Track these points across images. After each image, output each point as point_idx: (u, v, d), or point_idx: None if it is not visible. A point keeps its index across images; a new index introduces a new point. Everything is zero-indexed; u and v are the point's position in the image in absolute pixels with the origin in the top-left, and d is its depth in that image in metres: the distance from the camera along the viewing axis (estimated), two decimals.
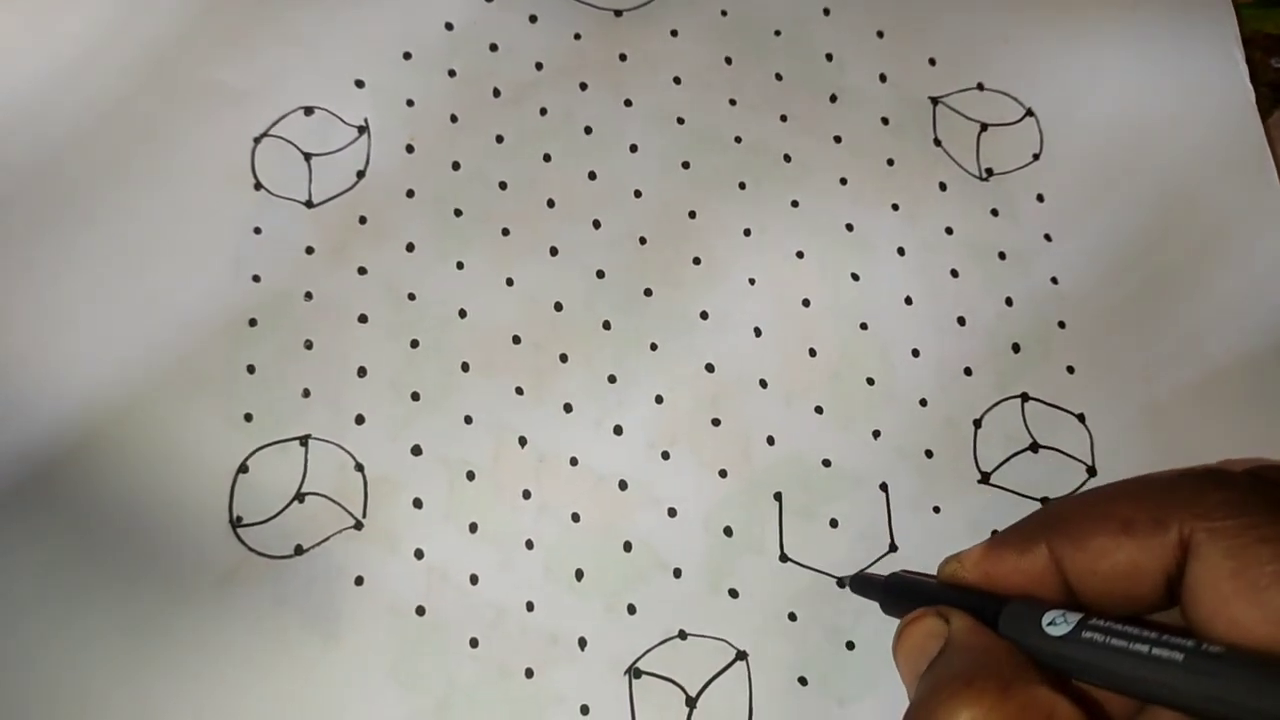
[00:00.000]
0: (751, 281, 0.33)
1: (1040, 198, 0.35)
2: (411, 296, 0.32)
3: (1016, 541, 0.23)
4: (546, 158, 0.34)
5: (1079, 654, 0.20)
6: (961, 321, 0.34)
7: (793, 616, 0.30)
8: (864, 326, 0.33)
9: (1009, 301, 0.34)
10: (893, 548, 0.31)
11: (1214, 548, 0.20)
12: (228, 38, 0.34)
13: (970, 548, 0.24)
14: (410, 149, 0.34)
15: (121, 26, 0.33)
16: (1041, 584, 0.22)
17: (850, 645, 0.30)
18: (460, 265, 0.33)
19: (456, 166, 0.34)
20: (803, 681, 0.30)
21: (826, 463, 0.32)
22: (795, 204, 0.34)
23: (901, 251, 0.34)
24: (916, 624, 0.23)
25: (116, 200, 0.32)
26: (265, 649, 0.29)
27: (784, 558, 0.31)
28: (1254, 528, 0.19)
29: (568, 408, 0.32)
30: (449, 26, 0.35)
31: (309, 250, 0.32)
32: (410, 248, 0.33)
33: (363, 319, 0.32)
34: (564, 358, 0.32)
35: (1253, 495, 0.20)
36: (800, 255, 0.34)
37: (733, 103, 0.35)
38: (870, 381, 0.33)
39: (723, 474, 0.32)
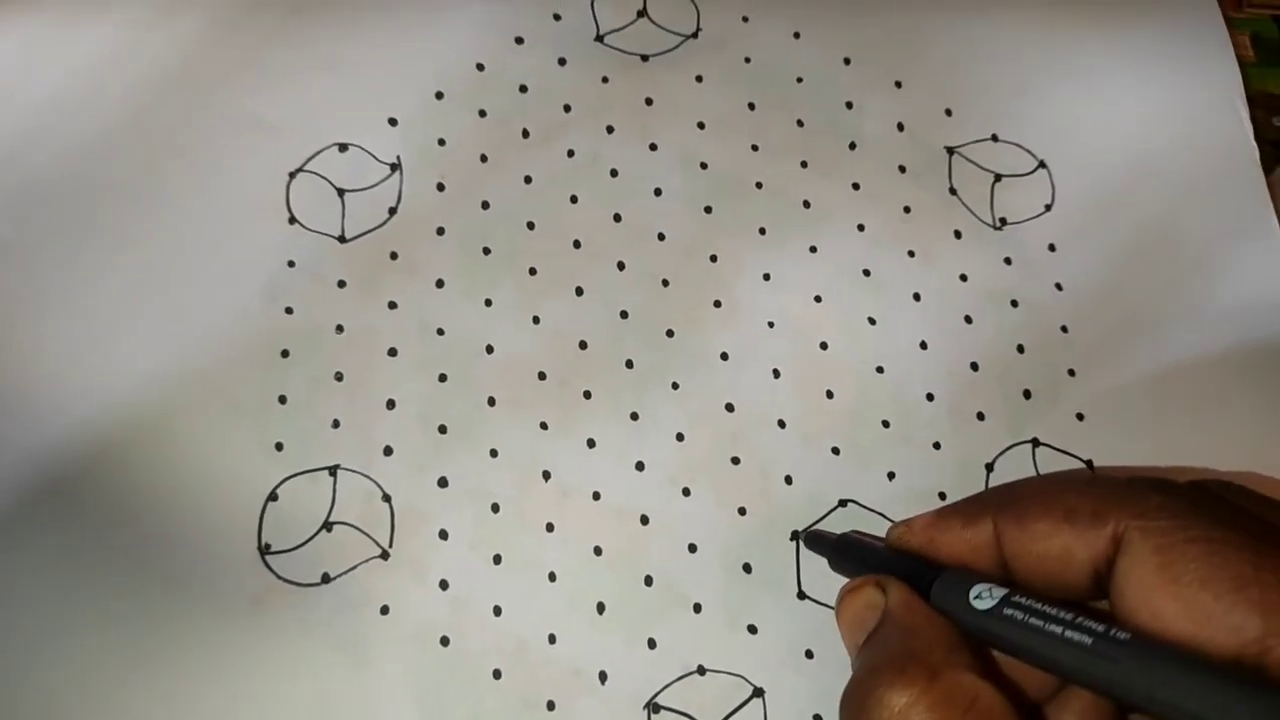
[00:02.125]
0: (771, 324, 0.34)
1: (1052, 247, 0.36)
2: (440, 331, 0.33)
3: (965, 511, 0.25)
4: (573, 199, 0.35)
5: (1000, 629, 0.22)
6: (974, 367, 0.34)
7: (809, 654, 0.31)
8: (880, 370, 0.34)
9: (1020, 349, 0.35)
10: None
11: (1144, 544, 0.21)
12: (266, 73, 0.35)
13: (920, 514, 0.26)
14: (441, 187, 0.34)
15: (161, 55, 0.34)
16: (981, 556, 0.24)
17: None
18: (489, 302, 0.34)
19: (486, 205, 0.34)
20: (818, 718, 0.30)
21: (844, 502, 0.32)
22: (814, 249, 0.35)
23: (917, 297, 0.35)
24: (856, 594, 0.25)
25: (153, 227, 0.33)
26: (291, 675, 0.29)
27: (801, 595, 0.31)
28: (1185, 529, 0.21)
29: (591, 443, 0.32)
30: (480, 67, 0.36)
31: (341, 284, 0.33)
32: (440, 284, 0.34)
33: (392, 352, 0.33)
34: (588, 394, 0.33)
35: (1192, 503, 0.21)
36: (818, 299, 0.35)
37: (755, 148, 0.36)
38: (885, 424, 0.34)
39: (741, 511, 0.32)
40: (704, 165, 0.36)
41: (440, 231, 0.34)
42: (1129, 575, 0.21)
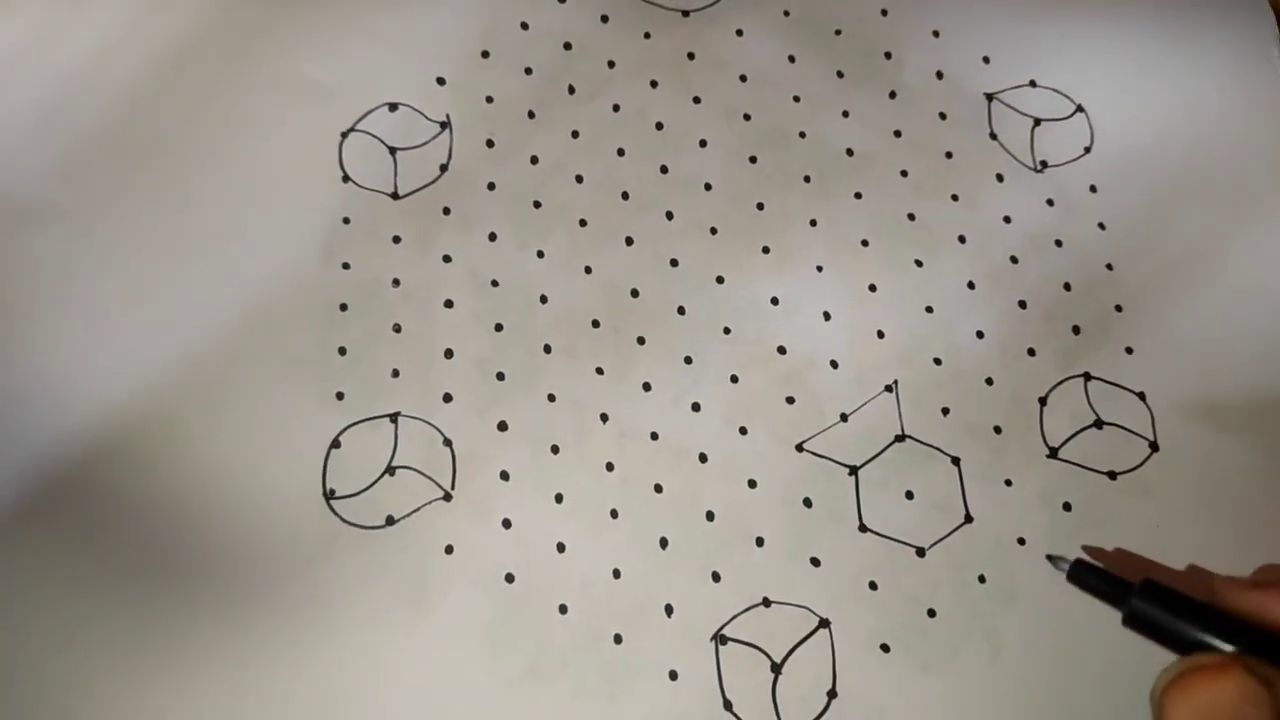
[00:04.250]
0: (819, 269, 0.35)
1: (1093, 188, 0.36)
2: (495, 283, 0.34)
3: None
4: (620, 152, 0.35)
5: None
6: (1023, 305, 0.35)
7: (873, 585, 0.31)
8: (929, 310, 0.34)
9: (1067, 286, 0.35)
10: (968, 519, 0.32)
11: None
12: (315, 38, 0.35)
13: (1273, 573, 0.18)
14: (490, 144, 0.35)
15: (212, 21, 0.35)
16: None
17: (931, 613, 0.31)
18: (540, 254, 0.34)
19: (535, 160, 0.35)
20: (885, 649, 0.31)
21: (900, 437, 0.33)
22: (859, 195, 0.36)
23: (962, 239, 0.35)
24: (1216, 679, 0.17)
25: (210, 189, 0.33)
26: (359, 617, 0.30)
27: (863, 528, 0.32)
28: None
29: (646, 386, 0.33)
30: (525, 26, 0.36)
31: (396, 239, 0.34)
32: (493, 237, 0.34)
33: (448, 304, 0.33)
34: (641, 340, 0.33)
35: None
36: (865, 244, 0.35)
37: (796, 99, 0.36)
38: (937, 361, 0.34)
39: (799, 449, 0.32)
40: (747, 117, 0.36)
41: (491, 186, 0.35)
42: None
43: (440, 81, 0.35)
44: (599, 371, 0.33)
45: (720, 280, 0.34)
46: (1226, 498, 0.33)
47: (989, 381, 0.34)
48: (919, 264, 0.35)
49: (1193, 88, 0.38)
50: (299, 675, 0.29)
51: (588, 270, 0.34)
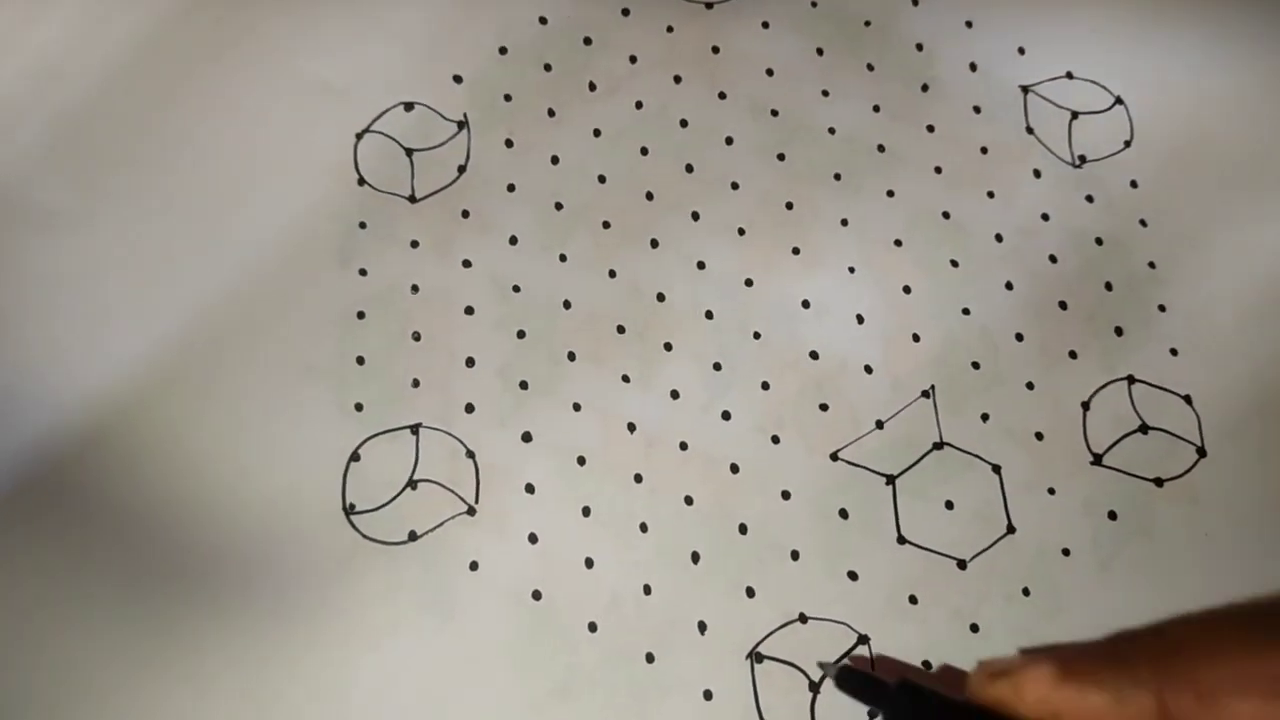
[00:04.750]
0: (851, 270, 0.33)
1: (1134, 183, 0.35)
2: (516, 288, 0.32)
3: (1106, 676, 0.17)
4: (644, 151, 0.34)
5: None
6: (1063, 306, 0.33)
7: (913, 599, 0.30)
8: (966, 312, 0.33)
9: (1109, 286, 0.34)
10: (1010, 529, 0.31)
11: None
12: (327, 38, 0.34)
13: (1030, 665, 0.17)
14: (510, 143, 0.34)
15: (221, 22, 0.34)
16: None
17: (974, 628, 0.30)
18: (563, 257, 0.33)
19: (555, 160, 0.34)
20: (927, 665, 0.29)
21: (938, 445, 0.32)
22: (891, 193, 0.34)
23: (999, 238, 0.34)
24: None
25: (221, 194, 0.32)
26: (381, 634, 0.29)
27: (901, 540, 0.30)
28: None
29: (674, 394, 0.32)
30: (543, 21, 0.35)
31: (414, 244, 0.33)
32: (513, 240, 0.33)
33: (469, 310, 0.32)
34: (668, 346, 0.32)
35: None
36: (899, 244, 0.34)
37: (825, 94, 0.35)
38: (976, 365, 0.33)
39: (833, 458, 0.31)
40: (774, 113, 0.35)
41: (511, 188, 0.33)
42: None
43: (457, 79, 0.34)
44: (625, 379, 0.32)
45: (749, 283, 0.33)
46: (1277, 504, 0.32)
47: (1030, 386, 0.33)
48: (954, 264, 0.34)
49: (1237, 77, 0.37)
50: (318, 692, 0.28)
51: (612, 274, 0.33)
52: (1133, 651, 0.17)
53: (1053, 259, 0.34)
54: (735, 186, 0.34)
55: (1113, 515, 0.31)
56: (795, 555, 0.30)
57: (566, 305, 0.32)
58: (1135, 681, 0.16)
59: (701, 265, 0.33)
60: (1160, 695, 0.16)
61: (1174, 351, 0.33)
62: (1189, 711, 0.16)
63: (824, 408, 0.32)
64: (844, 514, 0.31)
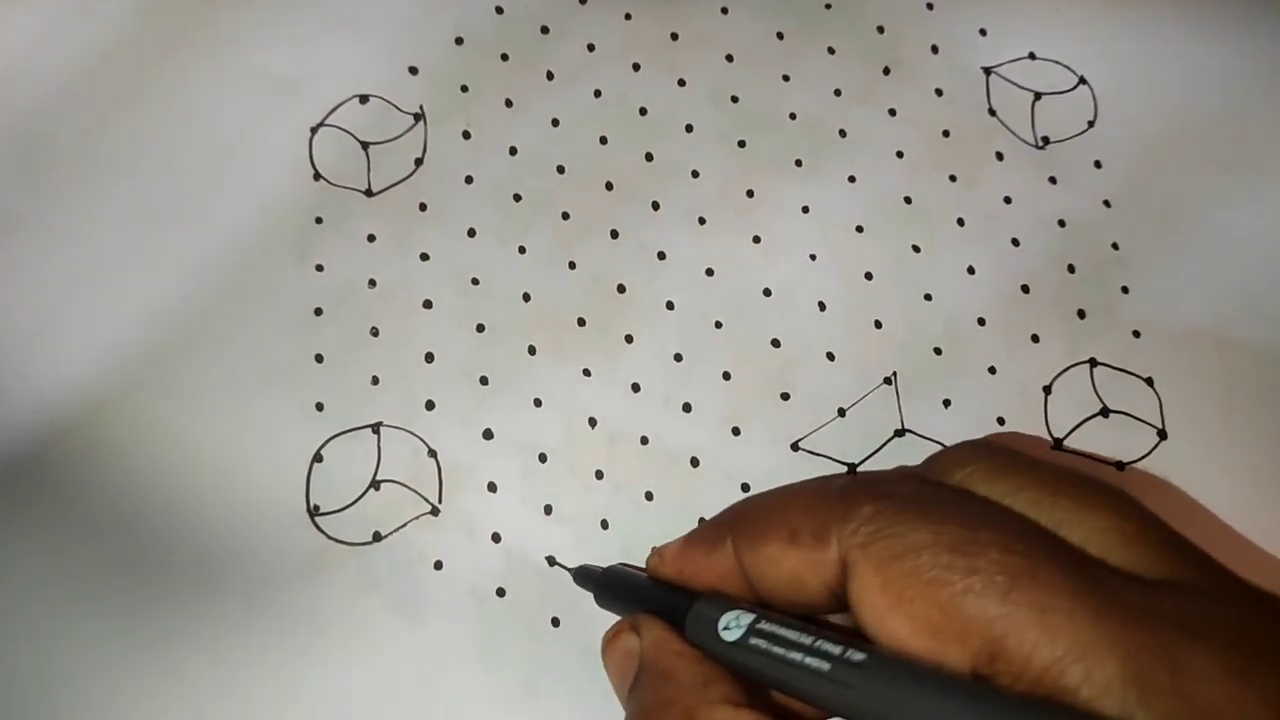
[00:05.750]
0: (813, 257, 0.33)
1: (1098, 164, 0.35)
2: (475, 281, 0.32)
3: (708, 537, 0.23)
4: (603, 140, 0.34)
5: (750, 661, 0.20)
6: (1025, 289, 0.33)
7: None
8: (928, 297, 0.33)
9: (1071, 268, 0.34)
10: None
11: (866, 565, 0.19)
12: (278, 29, 0.34)
13: (670, 542, 0.24)
14: (467, 135, 0.34)
15: (170, 16, 0.33)
16: (730, 582, 0.22)
17: None
18: (522, 249, 0.33)
19: (514, 151, 0.34)
20: None
21: (899, 432, 0.32)
22: (852, 179, 0.34)
23: (961, 222, 0.34)
24: (614, 643, 0.23)
25: (174, 192, 0.32)
26: (350, 635, 0.29)
27: None
28: (897, 538, 0.19)
29: (635, 387, 0.32)
30: (499, 10, 0.35)
31: (371, 238, 0.32)
32: (471, 233, 0.33)
33: (428, 305, 0.32)
34: (629, 338, 0.32)
35: (906, 503, 0.19)
36: (860, 230, 0.34)
37: (785, 79, 0.35)
38: (938, 351, 0.33)
39: (794, 448, 0.31)
40: (734, 99, 0.35)
41: (469, 180, 0.33)
42: (859, 599, 0.19)
43: (413, 71, 0.34)
44: (586, 373, 0.32)
45: (710, 273, 0.33)
46: (1237, 486, 0.32)
47: (992, 370, 0.33)
48: (916, 249, 0.34)
49: (1200, 56, 0.36)
50: (285, 696, 0.28)
51: (571, 265, 0.33)
52: (726, 514, 0.23)
53: (1015, 242, 0.34)
54: (695, 175, 0.34)
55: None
56: None
57: (526, 298, 0.32)
58: (721, 537, 0.22)
59: (662, 255, 0.33)
60: (733, 544, 0.22)
61: (1136, 334, 0.33)
62: (748, 557, 0.21)
63: (785, 397, 0.32)
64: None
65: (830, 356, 0.32)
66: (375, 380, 0.31)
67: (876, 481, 0.21)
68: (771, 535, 0.21)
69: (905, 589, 0.18)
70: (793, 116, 0.35)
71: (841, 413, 0.32)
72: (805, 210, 0.34)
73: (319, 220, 0.32)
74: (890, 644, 0.18)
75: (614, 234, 0.33)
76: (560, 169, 0.33)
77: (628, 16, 0.35)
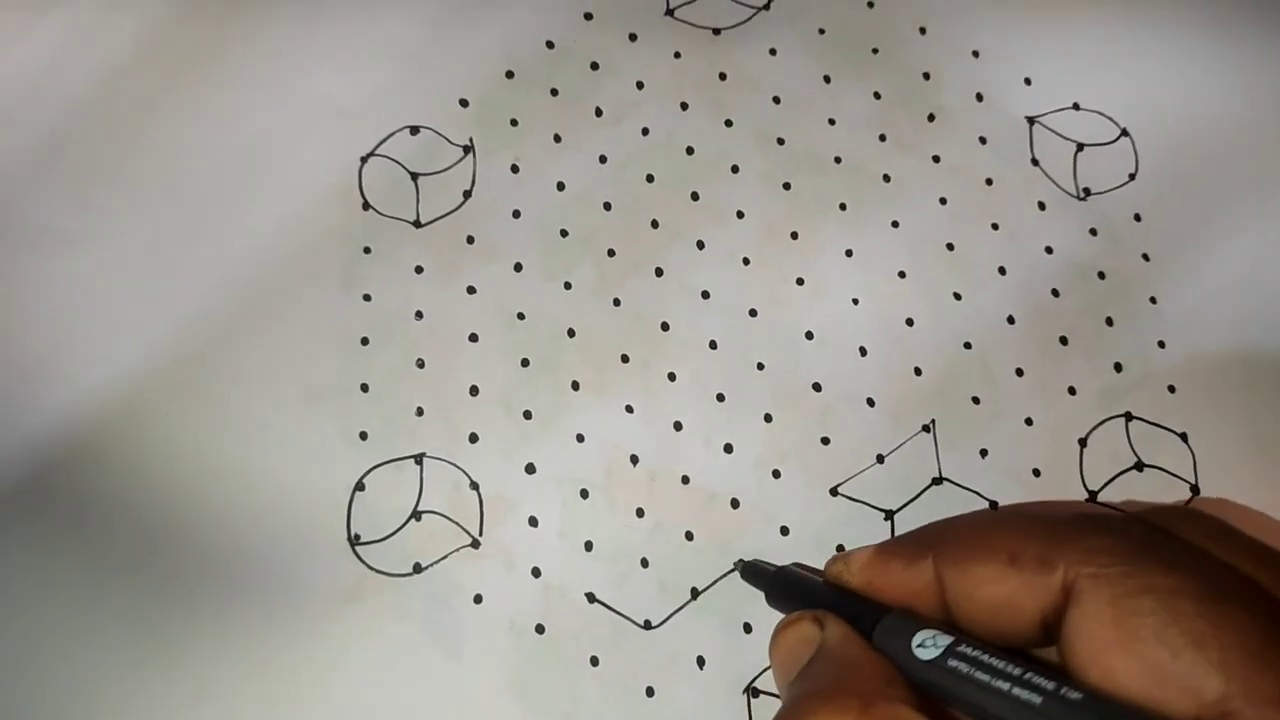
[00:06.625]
0: (855, 301, 0.34)
1: (1138, 217, 0.35)
2: (521, 316, 0.33)
3: (904, 552, 0.23)
4: (649, 178, 0.34)
5: (943, 681, 0.20)
6: (1064, 341, 0.34)
7: None
8: (968, 345, 0.33)
9: (1109, 321, 0.34)
10: None
11: (1097, 595, 0.19)
12: (333, 58, 0.34)
13: (859, 549, 0.24)
14: (515, 169, 0.34)
15: (227, 41, 0.34)
16: (923, 599, 0.22)
17: None
18: (568, 285, 0.33)
19: (561, 187, 0.34)
20: None
21: (937, 480, 0.32)
22: (895, 224, 0.34)
23: (1003, 271, 0.34)
24: (791, 628, 0.23)
25: (225, 217, 0.32)
26: (387, 666, 0.29)
27: None
28: (1135, 576, 0.19)
29: (678, 426, 0.32)
30: (550, 45, 0.35)
31: (418, 269, 0.33)
32: (518, 267, 0.33)
33: (473, 338, 0.32)
34: (672, 376, 0.32)
35: (1142, 545, 0.19)
36: (902, 275, 0.34)
37: (831, 122, 0.35)
38: (976, 400, 0.33)
39: (833, 493, 0.32)
40: (780, 141, 0.35)
41: (516, 214, 0.33)
42: (1080, 629, 0.19)
43: (463, 103, 0.34)
44: (629, 410, 0.32)
45: (753, 313, 0.33)
46: (1267, 542, 0.32)
47: (1029, 422, 0.33)
48: (957, 297, 0.34)
49: (1243, 111, 0.37)
50: None
51: (616, 302, 0.33)
52: (926, 532, 0.23)
53: (1055, 293, 0.34)
54: (740, 215, 0.34)
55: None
56: None
57: (571, 334, 0.33)
58: (921, 554, 0.22)
59: (706, 295, 0.33)
60: (935, 563, 0.22)
61: (1171, 389, 0.34)
62: (953, 577, 0.21)
63: (825, 441, 0.32)
64: (842, 549, 0.31)
65: (870, 402, 0.33)
66: (420, 411, 0.31)
67: (1103, 518, 0.21)
68: (986, 556, 0.21)
69: (1139, 627, 0.18)
70: (838, 160, 0.35)
71: (880, 459, 0.32)
72: (849, 254, 0.34)
73: (367, 250, 0.33)
74: (1101, 679, 0.18)
75: (659, 272, 0.33)
76: (607, 205, 0.34)
77: (677, 55, 0.35)
